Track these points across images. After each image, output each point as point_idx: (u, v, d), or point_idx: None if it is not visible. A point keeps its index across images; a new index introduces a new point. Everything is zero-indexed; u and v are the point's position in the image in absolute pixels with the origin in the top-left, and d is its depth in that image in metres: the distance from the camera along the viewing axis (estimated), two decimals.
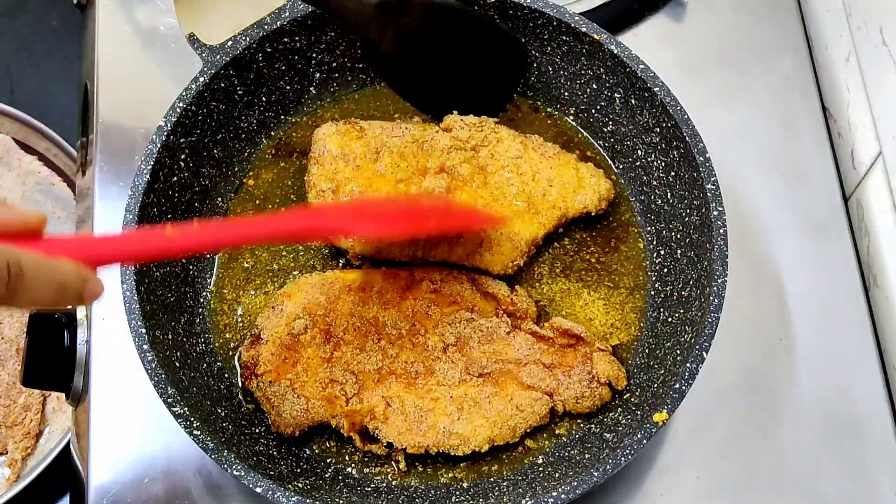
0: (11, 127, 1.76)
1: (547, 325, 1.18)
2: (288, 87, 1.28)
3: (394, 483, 1.15)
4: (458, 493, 1.14)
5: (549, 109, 1.31)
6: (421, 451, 1.12)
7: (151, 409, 1.13)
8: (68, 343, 1.25)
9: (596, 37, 1.20)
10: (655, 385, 1.13)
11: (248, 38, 1.20)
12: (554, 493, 1.03)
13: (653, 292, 1.23)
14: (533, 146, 1.25)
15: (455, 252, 1.19)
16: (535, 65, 1.28)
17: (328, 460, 1.16)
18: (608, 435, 1.13)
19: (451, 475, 1.15)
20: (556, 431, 1.17)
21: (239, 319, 1.22)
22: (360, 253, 1.21)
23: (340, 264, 1.24)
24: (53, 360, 1.24)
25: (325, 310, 1.16)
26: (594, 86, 1.26)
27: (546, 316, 1.22)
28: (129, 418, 1.22)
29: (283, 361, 1.14)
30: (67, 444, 1.53)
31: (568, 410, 1.16)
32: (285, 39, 1.23)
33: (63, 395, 1.30)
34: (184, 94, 1.18)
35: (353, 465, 1.16)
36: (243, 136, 1.27)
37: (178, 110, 1.17)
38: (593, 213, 1.24)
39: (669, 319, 1.18)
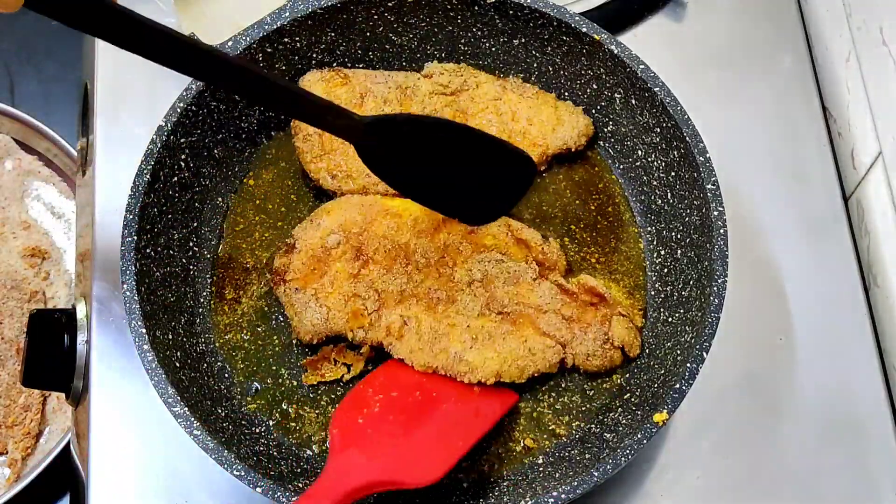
0: (11, 127, 1.76)
1: (574, 281, 1.19)
2: None
3: None
4: (458, 493, 1.14)
5: None
6: (430, 371, 1.13)
7: (151, 409, 1.13)
8: (68, 343, 1.25)
9: (596, 37, 1.20)
10: (655, 385, 1.13)
11: (248, 38, 1.20)
12: (554, 494, 1.03)
13: (653, 292, 1.23)
14: (511, 88, 1.27)
15: None
16: (535, 65, 1.28)
17: None
18: (608, 435, 1.12)
19: (451, 475, 1.15)
20: (557, 431, 1.17)
21: (239, 319, 1.22)
22: (346, 192, 1.23)
23: None
24: (53, 360, 1.24)
25: (360, 229, 1.18)
26: (594, 86, 1.26)
27: (573, 275, 1.22)
28: (129, 418, 1.22)
29: (312, 272, 1.16)
30: (67, 444, 1.53)
31: (577, 365, 1.16)
32: (285, 39, 1.22)
33: (63, 395, 1.30)
34: (184, 94, 1.18)
35: None
36: (244, 136, 1.27)
37: (179, 110, 1.17)
38: (573, 150, 1.26)
39: (670, 319, 1.18)
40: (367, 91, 1.24)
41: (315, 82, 1.25)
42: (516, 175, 1.17)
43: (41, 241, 1.74)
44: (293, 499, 1.03)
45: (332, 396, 1.18)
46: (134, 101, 1.37)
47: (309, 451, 1.16)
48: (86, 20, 0.85)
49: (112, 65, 1.39)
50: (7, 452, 1.60)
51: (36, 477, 1.53)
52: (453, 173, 1.14)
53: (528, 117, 1.26)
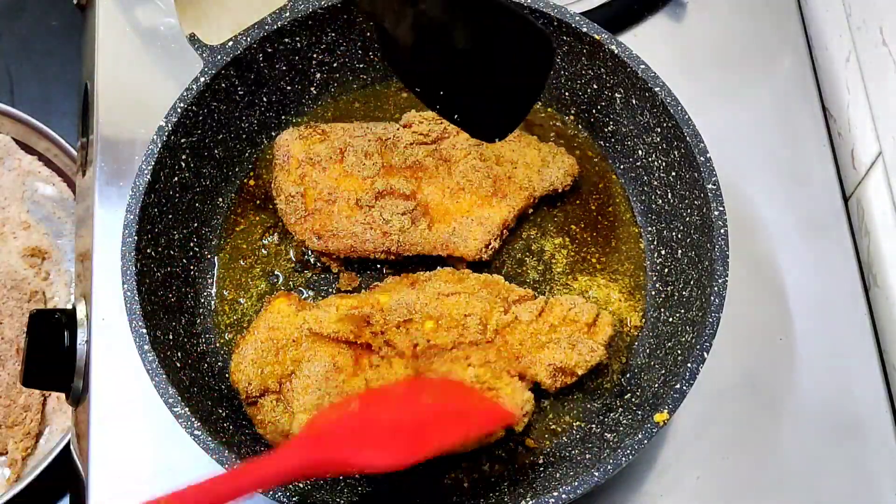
0: (11, 127, 1.76)
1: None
2: (289, 88, 1.28)
3: (394, 483, 1.15)
4: (458, 493, 1.14)
5: (549, 109, 1.31)
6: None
7: (151, 409, 1.13)
8: (68, 343, 1.25)
9: (596, 37, 1.20)
10: (656, 385, 1.13)
11: (248, 39, 1.20)
12: (555, 494, 1.03)
13: (653, 292, 1.23)
14: None
15: (428, 243, 1.21)
16: None
17: None
18: (609, 435, 1.13)
19: (451, 475, 1.15)
20: (557, 431, 1.17)
21: (240, 319, 1.22)
22: (334, 252, 1.21)
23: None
24: (53, 360, 1.24)
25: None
26: (595, 86, 1.26)
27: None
28: (129, 418, 1.22)
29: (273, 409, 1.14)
30: (67, 444, 1.53)
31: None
32: (286, 39, 1.23)
33: (63, 395, 1.30)
34: (185, 94, 1.18)
35: None
36: (244, 136, 1.27)
37: (179, 110, 1.17)
38: (560, 190, 1.26)
39: (670, 319, 1.18)
40: (347, 145, 1.23)
41: (293, 140, 1.23)
42: (535, 64, 1.06)
43: (41, 241, 1.74)
44: (294, 498, 1.03)
45: None
46: (134, 101, 1.37)
47: None
48: None
49: (112, 65, 1.39)
50: (7, 452, 1.59)
51: (36, 477, 1.53)
52: (471, 58, 1.06)
53: (513, 160, 1.25)
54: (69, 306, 1.30)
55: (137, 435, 1.22)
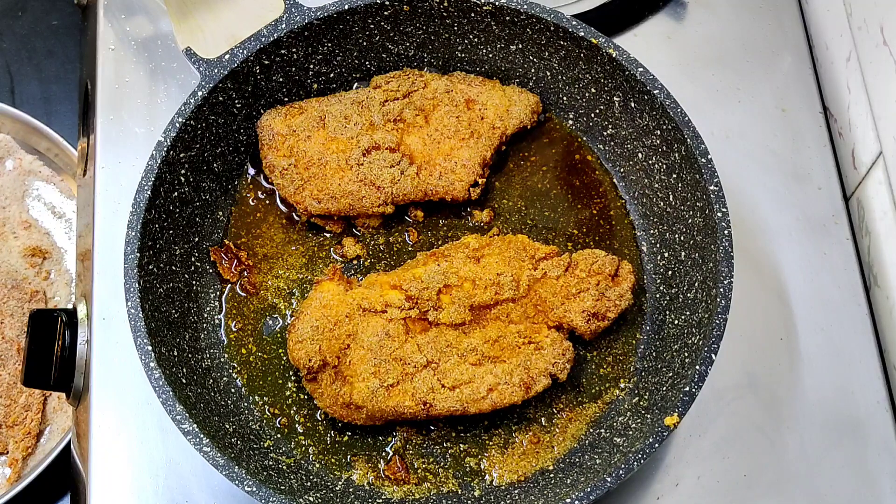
0: (12, 127, 1.75)
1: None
2: (286, 99, 1.28)
3: (404, 495, 1.15)
4: (469, 501, 1.14)
5: (548, 114, 1.31)
6: None
7: (151, 409, 1.13)
8: (68, 343, 1.25)
9: (594, 41, 1.20)
10: (664, 388, 1.13)
11: (245, 51, 1.20)
12: (567, 500, 1.04)
13: (658, 295, 1.23)
14: (458, 80, 1.31)
15: (419, 189, 1.26)
16: (532, 70, 1.28)
17: (337, 473, 1.16)
18: (618, 439, 1.13)
19: (462, 480, 1.16)
20: (567, 436, 1.18)
21: (243, 334, 1.22)
22: (335, 212, 1.25)
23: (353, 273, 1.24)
24: (53, 360, 1.24)
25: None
26: (593, 90, 1.26)
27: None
28: (129, 418, 1.23)
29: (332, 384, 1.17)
30: (68, 444, 1.54)
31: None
32: (282, 51, 1.22)
33: (63, 395, 1.30)
34: (182, 108, 1.17)
35: (363, 478, 1.16)
36: (242, 149, 1.27)
37: (178, 125, 1.17)
38: (528, 127, 1.29)
39: (676, 322, 1.18)
40: (325, 113, 1.26)
41: (272, 118, 1.26)
42: None
43: (42, 240, 1.73)
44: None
45: None
46: (134, 101, 1.37)
47: (318, 465, 1.16)
48: None
49: (112, 65, 1.38)
50: (8, 452, 1.60)
51: (36, 477, 1.53)
52: None
53: (483, 102, 1.29)
54: (70, 306, 1.30)
55: (137, 435, 1.22)
